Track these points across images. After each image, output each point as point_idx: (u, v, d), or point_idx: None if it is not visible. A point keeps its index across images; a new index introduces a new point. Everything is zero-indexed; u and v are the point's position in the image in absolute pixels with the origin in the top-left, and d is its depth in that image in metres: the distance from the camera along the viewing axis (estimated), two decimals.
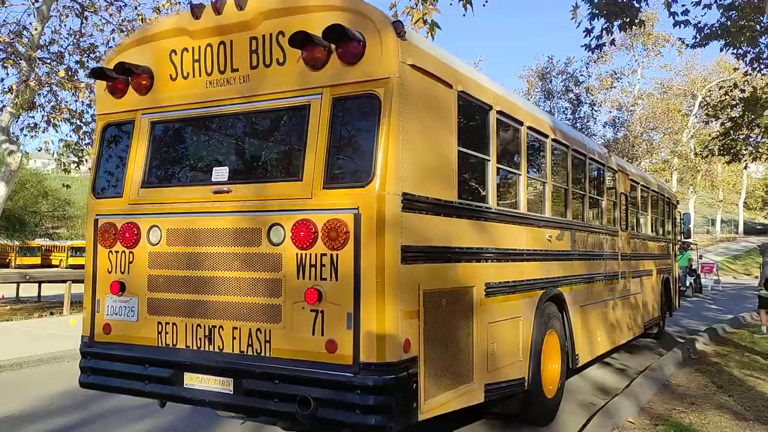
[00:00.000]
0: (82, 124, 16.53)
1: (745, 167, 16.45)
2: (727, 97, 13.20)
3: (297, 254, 4.31)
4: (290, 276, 4.33)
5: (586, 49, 10.04)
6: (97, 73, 5.27)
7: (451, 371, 4.74)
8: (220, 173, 4.84)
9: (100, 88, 5.41)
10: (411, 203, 4.32)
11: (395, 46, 4.20)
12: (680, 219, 15.59)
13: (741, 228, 65.98)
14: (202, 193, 4.81)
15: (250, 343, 4.47)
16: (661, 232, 13.14)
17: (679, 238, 15.63)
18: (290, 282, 4.33)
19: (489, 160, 5.48)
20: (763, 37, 11.22)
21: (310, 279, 4.26)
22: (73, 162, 17.99)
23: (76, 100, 16.07)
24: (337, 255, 4.17)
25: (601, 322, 8.66)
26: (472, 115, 5.42)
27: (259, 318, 4.44)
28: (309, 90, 4.45)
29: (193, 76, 4.94)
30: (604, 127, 40.05)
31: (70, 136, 16.79)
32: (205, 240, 4.73)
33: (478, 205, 5.35)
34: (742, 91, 13.02)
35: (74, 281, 19.28)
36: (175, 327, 4.80)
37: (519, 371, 5.83)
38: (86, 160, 18.32)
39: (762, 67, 12.63)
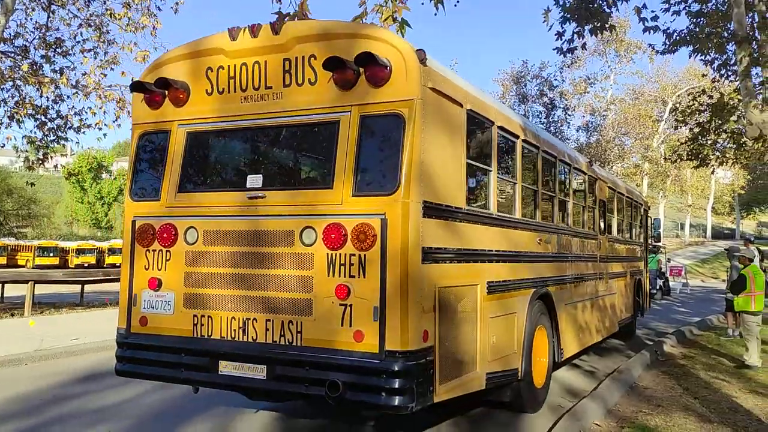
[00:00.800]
0: (46, 120, 16.12)
1: (713, 172, 16.65)
2: (695, 102, 13.31)
3: (327, 254, 4.82)
4: (321, 274, 4.84)
5: (558, 53, 10.05)
6: (137, 87, 5.76)
7: (459, 360, 5.31)
8: (255, 180, 5.29)
9: (136, 99, 5.91)
10: (430, 210, 4.88)
11: (418, 71, 4.78)
12: (651, 223, 16.20)
13: (709, 232, 67.22)
14: (237, 198, 5.30)
15: (282, 333, 4.95)
16: (634, 235, 13.71)
17: (650, 241, 16.26)
18: (321, 279, 4.83)
19: (491, 171, 6.11)
20: (730, 44, 11.35)
21: (339, 276, 4.76)
22: (38, 159, 17.50)
23: (40, 96, 15.67)
24: (365, 255, 4.69)
25: (583, 319, 9.24)
26: (478, 131, 5.99)
27: (291, 311, 4.93)
28: (339, 108, 4.98)
29: (229, 92, 5.43)
30: (577, 131, 40.59)
31: (35, 133, 16.33)
32: (240, 240, 5.20)
33: (482, 211, 5.96)
34: (710, 97, 13.19)
35: (37, 282, 18.87)
36: (210, 319, 5.27)
37: (514, 362, 6.38)
38: (51, 157, 17.90)
39: (729, 73, 12.79)
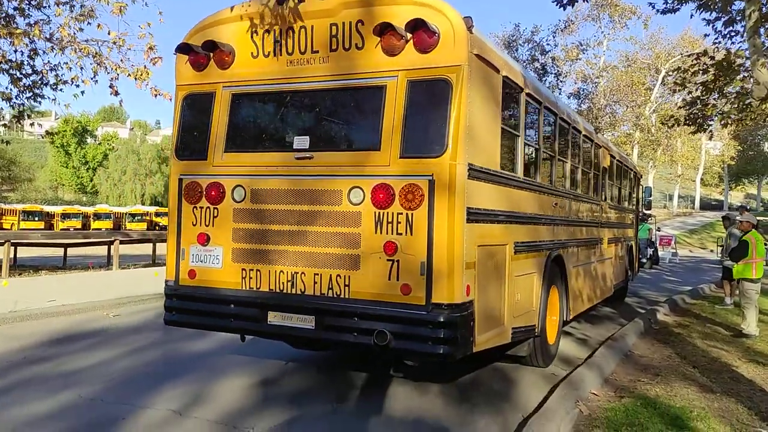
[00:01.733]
0: (21, 76, 15.38)
1: (710, 137, 16.22)
2: (698, 62, 12.77)
3: (375, 213, 5.07)
4: (368, 231, 5.09)
5: (557, 5, 9.52)
6: (183, 48, 5.87)
7: (492, 314, 5.63)
8: (302, 141, 5.48)
9: (180, 61, 6.02)
10: (473, 172, 5.10)
11: (466, 38, 4.95)
12: (642, 191, 16.40)
13: (698, 203, 67.36)
14: (284, 159, 5.51)
15: (330, 286, 5.23)
16: (628, 203, 14.06)
17: (641, 209, 16.51)
18: (368, 236, 5.09)
19: (518, 136, 6.36)
20: (737, 3, 10.87)
21: (387, 234, 5.02)
22: (14, 117, 16.80)
23: (14, 51, 14.89)
24: (412, 214, 4.95)
25: (587, 281, 9.66)
26: (510, 97, 6.18)
27: (339, 266, 5.20)
28: (386, 73, 5.15)
29: (274, 55, 5.59)
30: (568, 98, 39.92)
31: (9, 89, 15.59)
32: (287, 199, 5.43)
33: (513, 175, 6.24)
34: (712, 58, 12.70)
35: (15, 243, 18.36)
36: (258, 273, 5.52)
37: (533, 319, 6.68)
38: (28, 115, 17.21)
39: (733, 33, 12.32)
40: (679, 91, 15.36)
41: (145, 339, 8.47)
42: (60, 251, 21.71)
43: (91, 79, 13.80)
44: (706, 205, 70.74)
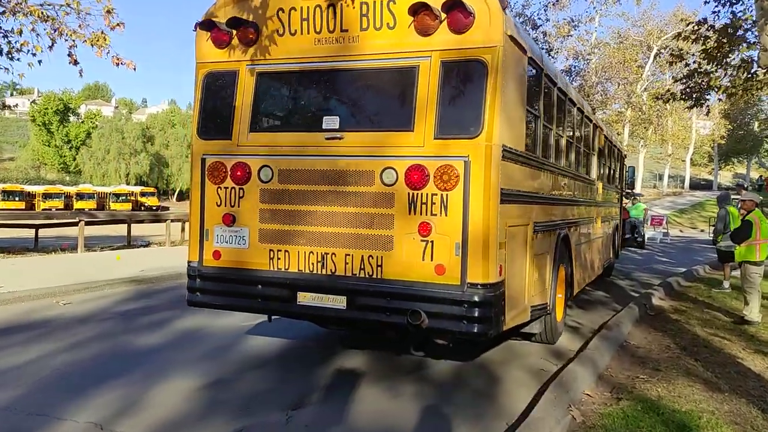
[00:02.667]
0: None
1: (708, 112, 15.46)
2: (698, 30, 11.90)
3: (409, 193, 5.05)
4: (401, 211, 5.08)
5: None
6: (206, 25, 5.69)
7: (517, 293, 5.67)
8: (331, 121, 5.40)
9: (201, 38, 5.88)
10: (505, 153, 5.10)
11: (501, 19, 4.92)
12: (626, 171, 16.51)
13: (687, 183, 66.97)
14: (313, 138, 5.43)
15: (362, 267, 5.20)
16: (615, 182, 14.06)
17: (624, 188, 16.46)
18: (401, 216, 5.08)
19: (539, 117, 6.37)
20: None
21: (421, 214, 5.01)
22: None
23: None
24: (447, 195, 4.94)
25: (587, 259, 9.88)
26: (532, 78, 6.15)
27: (371, 246, 5.18)
28: (418, 53, 5.11)
29: (301, 33, 5.49)
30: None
31: None
32: (317, 179, 5.36)
33: (535, 156, 6.24)
34: (712, 26, 11.90)
35: None
36: (287, 253, 5.47)
37: (546, 297, 6.70)
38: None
39: (734, 1, 11.51)
40: (676, 63, 14.58)
41: (93, 331, 7.66)
42: (45, 231, 20.83)
43: (48, 47, 12.78)
44: (696, 185, 70.36)
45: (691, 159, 67.73)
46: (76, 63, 13.62)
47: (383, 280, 5.14)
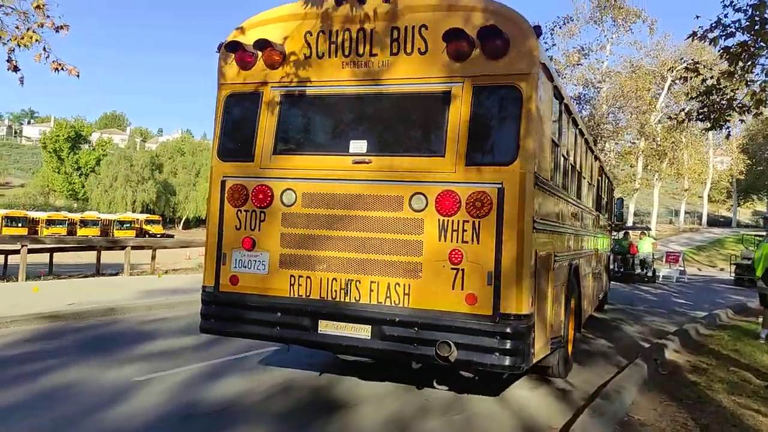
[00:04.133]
0: None
1: (728, 136, 13.63)
2: (725, 19, 9.89)
3: (439, 220, 4.99)
4: (431, 238, 5.01)
5: None
6: (233, 46, 5.64)
7: (542, 325, 5.48)
8: (359, 145, 5.37)
9: (225, 59, 5.79)
10: (537, 181, 5.10)
11: (536, 46, 5.01)
12: (614, 203, 15.87)
13: (705, 219, 64.57)
14: (340, 162, 5.37)
15: (388, 295, 5.10)
16: (608, 214, 13.82)
17: (613, 220, 15.69)
18: (431, 243, 5.01)
19: (558, 146, 6.31)
20: None
21: (452, 242, 4.93)
22: None
23: None
24: (479, 222, 4.89)
25: (590, 291, 9.64)
26: (555, 106, 6.08)
27: (398, 273, 5.08)
28: (450, 78, 5.11)
29: (329, 57, 5.48)
30: None
31: None
32: (343, 204, 5.30)
33: (555, 184, 6.17)
34: (737, 24, 10.01)
35: None
36: (309, 280, 5.34)
37: (561, 329, 6.45)
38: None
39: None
40: (692, 79, 12.87)
41: None
42: (45, 257, 19.65)
43: None
44: (714, 222, 67.86)
45: (709, 195, 65.46)
46: (16, 69, 12.27)
47: (411, 309, 4.99)
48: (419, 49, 5.17)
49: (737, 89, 12.28)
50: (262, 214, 5.51)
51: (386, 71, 5.27)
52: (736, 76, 8.86)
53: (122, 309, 10.62)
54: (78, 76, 11.23)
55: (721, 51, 8.48)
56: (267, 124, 5.61)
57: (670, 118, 18.69)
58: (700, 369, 7.75)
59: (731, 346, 9.60)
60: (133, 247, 19.57)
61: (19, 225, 58.81)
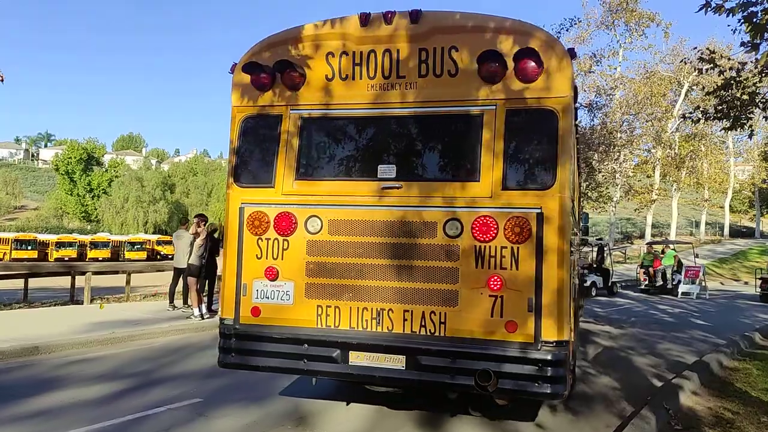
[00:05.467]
0: None
1: (751, 135, 12.06)
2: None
3: (476, 246, 4.90)
4: (468, 265, 4.91)
5: None
6: (251, 67, 5.45)
7: (572, 351, 5.52)
8: (388, 170, 5.22)
9: (241, 81, 5.60)
10: (571, 205, 5.17)
11: (571, 70, 4.98)
12: (579, 215, 13.74)
13: (727, 230, 62.15)
14: (368, 187, 5.23)
15: (423, 324, 4.96)
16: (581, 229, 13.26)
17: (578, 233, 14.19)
18: (467, 270, 4.91)
19: (573, 166, 6.04)
20: None
21: (489, 268, 4.85)
22: None
23: None
24: (518, 248, 4.82)
25: (579, 307, 9.02)
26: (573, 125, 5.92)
27: (434, 302, 4.96)
28: (483, 101, 5.04)
29: (353, 79, 5.34)
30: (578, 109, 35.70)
31: None
32: (372, 230, 5.15)
33: (574, 207, 6.20)
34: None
35: None
36: (337, 310, 5.18)
37: (574, 355, 6.33)
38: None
39: None
40: (707, 71, 11.33)
41: None
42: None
43: None
44: (736, 233, 65.23)
45: (730, 205, 63.08)
46: None
47: (448, 338, 4.89)
48: (449, 71, 5.09)
49: (760, 82, 10.76)
50: (285, 243, 5.33)
51: (414, 94, 5.17)
52: (757, 57, 7.26)
53: (48, 347, 9.19)
54: (2, 80, 10.24)
55: (741, 22, 6.98)
56: (288, 149, 5.44)
57: (684, 117, 16.95)
58: (724, 420, 6.16)
59: (762, 384, 7.95)
60: (106, 272, 18.32)
61: (29, 248, 58.37)
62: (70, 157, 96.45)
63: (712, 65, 10.98)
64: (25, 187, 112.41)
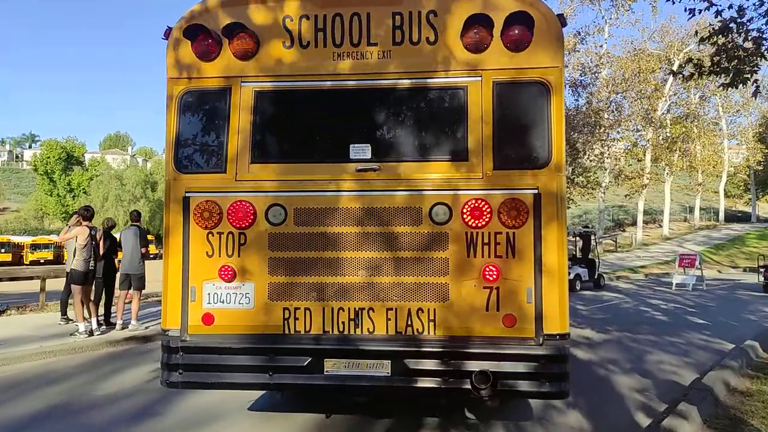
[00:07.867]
0: None
1: (754, 93, 9.88)
2: None
3: (467, 233, 4.48)
4: (458, 254, 4.47)
5: None
6: (191, 32, 4.72)
7: None
8: (361, 150, 4.71)
9: (179, 48, 4.85)
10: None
11: (562, 38, 4.56)
12: None
13: (722, 215, 60.13)
14: (340, 170, 4.69)
15: (409, 323, 4.51)
16: None
17: None
18: (458, 260, 4.47)
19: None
20: None
21: (483, 257, 4.44)
22: None
23: None
24: (514, 233, 4.42)
25: None
26: None
27: (421, 297, 4.50)
28: (466, 72, 4.58)
29: (316, 46, 4.77)
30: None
31: None
32: (346, 219, 4.62)
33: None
34: None
35: None
36: (308, 312, 4.64)
37: None
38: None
39: None
40: (701, 12, 9.11)
41: None
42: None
43: None
44: (732, 217, 63.32)
45: (725, 189, 61.07)
46: None
47: (438, 338, 4.44)
48: (427, 38, 4.60)
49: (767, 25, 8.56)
50: (243, 237, 4.69)
51: (388, 64, 4.62)
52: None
53: None
54: None
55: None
56: (240, 128, 4.77)
57: (673, 73, 14.68)
58: None
59: None
60: (25, 278, 16.10)
61: (2, 251, 56.19)
62: (49, 157, 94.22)
63: (709, 3, 8.77)
64: (8, 188, 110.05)
